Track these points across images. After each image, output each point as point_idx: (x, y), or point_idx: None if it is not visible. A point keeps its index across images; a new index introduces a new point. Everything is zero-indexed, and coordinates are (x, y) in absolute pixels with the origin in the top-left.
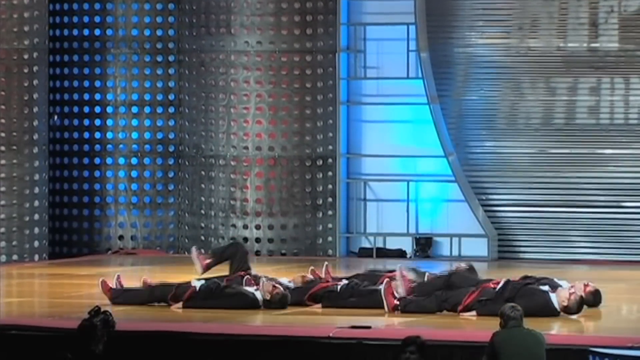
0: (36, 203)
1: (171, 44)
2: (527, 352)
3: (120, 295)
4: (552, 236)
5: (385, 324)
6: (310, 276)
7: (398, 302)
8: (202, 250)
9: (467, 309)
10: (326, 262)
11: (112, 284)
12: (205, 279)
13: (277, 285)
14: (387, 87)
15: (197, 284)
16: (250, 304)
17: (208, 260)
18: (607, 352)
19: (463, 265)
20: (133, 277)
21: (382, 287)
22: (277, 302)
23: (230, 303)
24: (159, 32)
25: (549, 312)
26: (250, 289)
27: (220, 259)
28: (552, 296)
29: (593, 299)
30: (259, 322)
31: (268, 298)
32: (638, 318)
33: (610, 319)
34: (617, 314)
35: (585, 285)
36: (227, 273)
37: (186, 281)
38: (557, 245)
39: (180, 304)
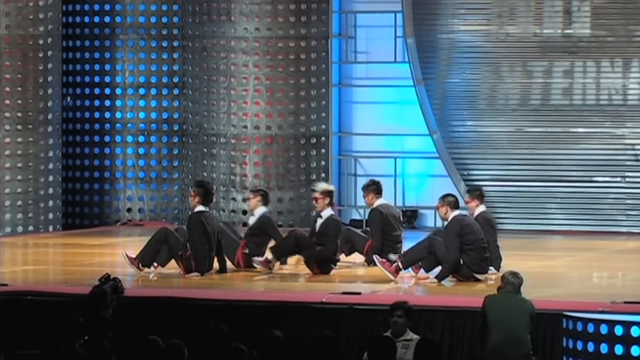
0: (50, 178)
1: (175, 30)
2: (509, 316)
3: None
4: (529, 209)
5: (374, 291)
6: None
7: (396, 266)
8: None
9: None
10: None
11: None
12: None
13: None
14: (376, 71)
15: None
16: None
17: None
18: (579, 315)
19: None
20: (140, 247)
21: (377, 261)
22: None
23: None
24: (164, 19)
25: None
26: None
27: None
28: None
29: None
30: (257, 289)
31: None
32: (608, 284)
33: (582, 285)
34: (588, 280)
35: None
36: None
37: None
38: (534, 217)
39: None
